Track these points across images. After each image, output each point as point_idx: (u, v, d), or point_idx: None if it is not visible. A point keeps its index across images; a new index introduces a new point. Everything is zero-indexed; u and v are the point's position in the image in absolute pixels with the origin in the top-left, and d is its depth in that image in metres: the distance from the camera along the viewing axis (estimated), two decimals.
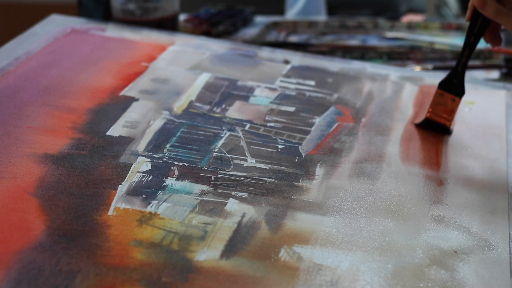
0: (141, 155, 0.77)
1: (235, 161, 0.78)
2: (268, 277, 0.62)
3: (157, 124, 0.84)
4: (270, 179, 0.75)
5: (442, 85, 0.87)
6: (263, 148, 0.81)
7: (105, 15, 1.19)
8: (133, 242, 0.64)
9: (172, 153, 0.78)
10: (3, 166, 0.73)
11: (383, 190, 0.75)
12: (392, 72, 1.03)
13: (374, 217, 0.70)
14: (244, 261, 0.63)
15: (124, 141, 0.80)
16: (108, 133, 0.81)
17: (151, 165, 0.76)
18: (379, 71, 1.03)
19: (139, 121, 0.84)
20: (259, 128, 0.85)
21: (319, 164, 0.79)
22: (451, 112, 0.87)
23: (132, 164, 0.75)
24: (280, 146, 0.82)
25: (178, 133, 0.82)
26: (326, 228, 0.69)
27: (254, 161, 0.78)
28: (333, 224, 0.69)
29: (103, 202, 0.69)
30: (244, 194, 0.72)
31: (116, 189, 0.71)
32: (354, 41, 1.27)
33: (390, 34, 1.30)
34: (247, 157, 0.79)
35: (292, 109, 0.90)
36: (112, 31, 1.08)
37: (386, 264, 0.64)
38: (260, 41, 1.23)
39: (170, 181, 0.73)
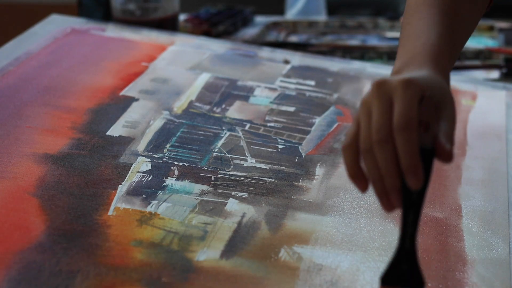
0: (141, 155, 0.77)
1: (235, 161, 0.78)
2: (268, 277, 0.61)
3: (157, 124, 0.84)
4: (270, 179, 0.75)
5: (386, 279, 0.54)
6: (263, 148, 0.81)
7: (105, 15, 1.19)
8: (133, 242, 0.64)
9: (172, 153, 0.78)
10: (3, 166, 0.73)
11: None
12: None
13: (374, 217, 0.70)
14: (244, 261, 0.63)
15: (124, 141, 0.79)
16: (108, 133, 0.81)
17: (151, 165, 0.76)
18: (379, 71, 1.02)
19: (139, 121, 0.84)
20: (259, 128, 0.85)
21: (319, 164, 0.79)
22: None
23: (132, 164, 0.75)
24: (280, 146, 0.82)
25: (178, 133, 0.82)
26: (326, 228, 0.68)
27: (254, 161, 0.78)
28: (333, 224, 0.69)
29: (103, 202, 0.69)
30: (244, 194, 0.72)
31: (116, 189, 0.71)
32: (354, 41, 1.26)
33: (390, 34, 1.30)
34: (247, 157, 0.79)
35: (292, 109, 0.90)
36: (112, 31, 1.08)
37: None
38: (260, 41, 1.23)
39: (170, 181, 0.73)
